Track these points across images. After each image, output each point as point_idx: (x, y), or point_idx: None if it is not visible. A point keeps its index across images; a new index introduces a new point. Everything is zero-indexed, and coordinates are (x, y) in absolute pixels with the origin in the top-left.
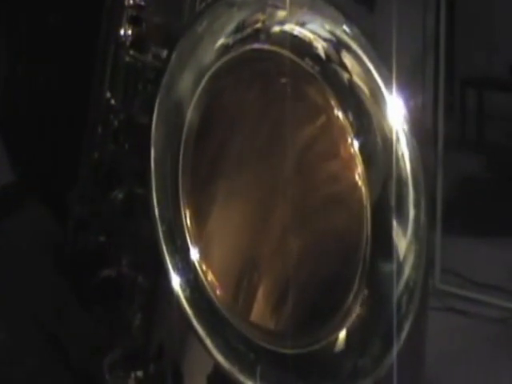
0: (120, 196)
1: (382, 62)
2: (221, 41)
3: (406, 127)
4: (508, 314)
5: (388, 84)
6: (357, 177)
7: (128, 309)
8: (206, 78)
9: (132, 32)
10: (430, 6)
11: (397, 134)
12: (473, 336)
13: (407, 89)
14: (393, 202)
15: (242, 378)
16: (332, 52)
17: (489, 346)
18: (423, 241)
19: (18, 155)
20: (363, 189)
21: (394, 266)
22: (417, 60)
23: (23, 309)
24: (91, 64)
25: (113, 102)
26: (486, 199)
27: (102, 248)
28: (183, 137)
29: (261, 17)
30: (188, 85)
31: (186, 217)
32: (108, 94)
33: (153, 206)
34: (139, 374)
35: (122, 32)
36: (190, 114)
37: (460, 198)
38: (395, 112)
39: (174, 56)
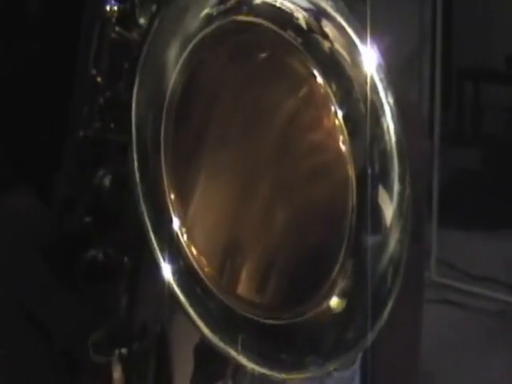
0: (106, 175)
1: (363, 29)
2: (205, 10)
3: (391, 100)
4: (504, 307)
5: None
6: (341, 147)
7: (113, 289)
8: (189, 48)
9: (118, 8)
10: None
11: (382, 106)
12: (468, 328)
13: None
14: (376, 171)
15: (223, 346)
16: (313, 22)
17: (485, 338)
18: (408, 216)
19: (3, 136)
20: (348, 159)
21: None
22: (414, 52)
23: (6, 291)
24: (77, 40)
25: (99, 79)
26: (483, 191)
27: (87, 228)
28: (164, 110)
29: None
30: (171, 55)
31: (170, 195)
32: (94, 71)
33: (136, 185)
34: (123, 351)
35: (107, 8)
36: (172, 86)
37: (456, 191)
38: (370, 62)
39: (155, 25)
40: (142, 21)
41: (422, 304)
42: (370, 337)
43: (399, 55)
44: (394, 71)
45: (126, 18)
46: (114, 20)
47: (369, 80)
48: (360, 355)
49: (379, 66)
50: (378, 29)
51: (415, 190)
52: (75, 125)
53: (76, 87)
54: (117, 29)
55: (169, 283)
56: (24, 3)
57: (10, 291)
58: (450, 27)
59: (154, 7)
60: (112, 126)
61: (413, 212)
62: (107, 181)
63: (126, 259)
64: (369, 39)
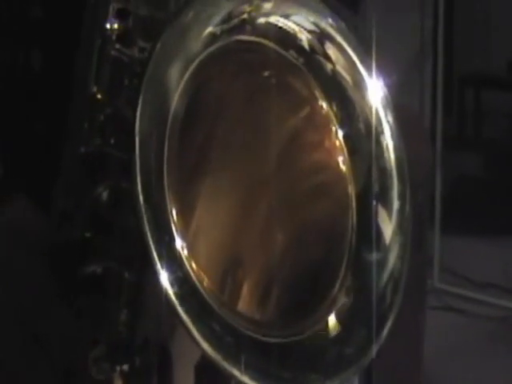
0: (106, 190)
1: (366, 54)
2: (209, 29)
3: (390, 118)
4: (506, 313)
5: (371, 73)
6: (342, 166)
7: (113, 303)
8: (192, 67)
9: (118, 26)
10: (428, 4)
11: (381, 125)
12: (471, 334)
13: (393, 75)
14: (376, 189)
15: (226, 365)
16: (316, 43)
17: (487, 344)
18: (408, 232)
19: (4, 149)
20: (348, 178)
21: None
22: (415, 58)
23: (5, 304)
24: (77, 58)
25: (99, 96)
26: (485, 198)
27: (87, 243)
28: (168, 128)
29: (247, 8)
30: (174, 74)
31: (172, 211)
32: (94, 88)
33: (139, 203)
34: (125, 367)
35: (107, 26)
36: (175, 105)
37: (458, 197)
38: (376, 95)
39: (159, 45)
40: (141, 42)
41: (424, 310)
42: (372, 353)
43: (400, 62)
44: (391, 75)
45: (125, 36)
46: (114, 37)
47: (374, 111)
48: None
49: (384, 96)
50: (378, 37)
51: (417, 196)
52: (75, 140)
53: (76, 103)
54: (117, 46)
55: (169, 300)
56: (26, 18)
57: (8, 303)
58: (451, 34)
59: (154, 25)
60: (112, 141)
61: (415, 219)
62: (107, 196)
63: (126, 274)
64: (374, 70)
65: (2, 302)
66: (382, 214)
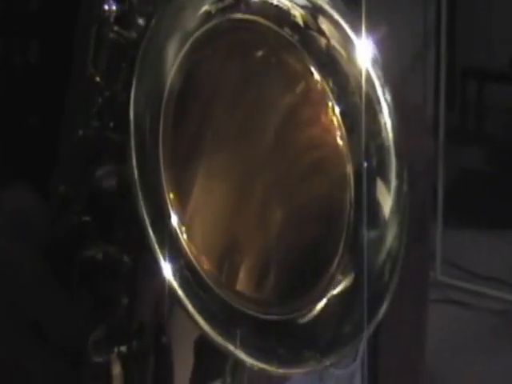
0: (104, 174)
1: (359, 25)
2: (204, 8)
3: (388, 97)
4: (509, 306)
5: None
6: (339, 143)
7: (112, 288)
8: (187, 45)
9: (116, 8)
10: None
11: (379, 103)
12: (473, 328)
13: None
14: (374, 165)
15: (222, 341)
16: (309, 19)
17: (489, 337)
18: (405, 211)
19: (1, 134)
20: (346, 155)
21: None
22: (418, 51)
23: (4, 291)
24: (75, 41)
25: (97, 79)
26: (487, 191)
27: (86, 227)
28: (163, 107)
29: None
30: (169, 52)
31: (169, 194)
32: (92, 71)
33: (134, 182)
34: (123, 349)
35: (105, 7)
36: (170, 83)
37: (461, 190)
38: (365, 57)
39: (153, 23)
40: (140, 20)
41: (426, 303)
42: (367, 332)
43: (403, 55)
44: (393, 68)
45: (123, 18)
46: (112, 20)
47: (364, 74)
48: (361, 353)
49: (375, 62)
50: (379, 28)
51: (420, 189)
52: (73, 124)
53: (74, 86)
54: (115, 28)
55: (168, 281)
56: (23, 2)
57: (8, 290)
58: (453, 27)
59: (152, 6)
60: (111, 124)
61: (417, 212)
62: (106, 179)
63: (125, 258)
64: (364, 34)
65: (1, 289)
66: (381, 189)
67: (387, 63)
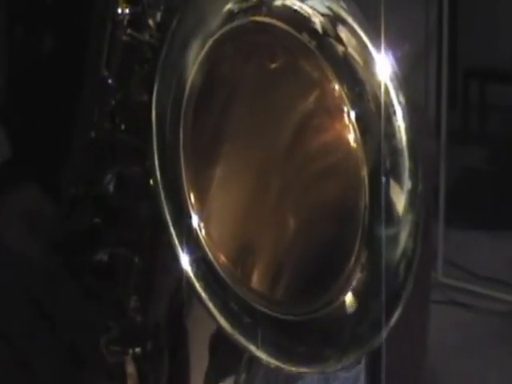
0: (116, 176)
1: (377, 35)
2: (228, 6)
3: (402, 99)
4: (511, 308)
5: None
6: (354, 145)
7: (124, 289)
8: (209, 44)
9: (129, 10)
10: None
11: (393, 105)
12: (475, 329)
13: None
14: (388, 166)
15: (243, 341)
16: (329, 26)
17: (491, 339)
18: (420, 212)
19: (14, 135)
20: (360, 158)
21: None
22: (420, 51)
23: (17, 292)
24: (88, 43)
25: (110, 81)
26: (489, 191)
27: (97, 228)
28: (183, 106)
29: None
30: (191, 51)
31: (189, 191)
32: (105, 73)
33: (157, 180)
34: (137, 350)
35: (119, 10)
36: (191, 83)
37: (463, 190)
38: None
39: (175, 22)
40: (152, 23)
41: (428, 305)
42: (385, 331)
43: (406, 55)
44: (404, 70)
45: (136, 20)
46: (125, 23)
47: (383, 86)
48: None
49: (392, 72)
50: (400, 43)
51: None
52: (86, 125)
53: (87, 89)
54: (128, 31)
55: (188, 278)
56: (37, 3)
57: (20, 290)
58: (455, 26)
59: (169, 7)
60: (123, 127)
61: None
62: (118, 181)
63: (136, 259)
64: (383, 45)
65: (14, 289)
66: (395, 189)
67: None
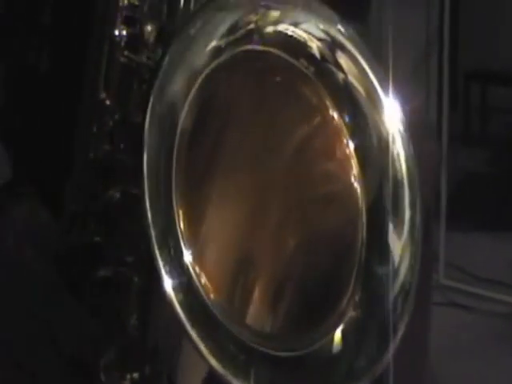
0: (115, 195)
1: (378, 63)
2: (213, 43)
3: (402, 128)
4: None
5: (384, 84)
6: (352, 178)
7: (123, 309)
8: (199, 80)
9: (127, 32)
10: (433, 0)
11: (393, 135)
12: (477, 331)
13: (406, 88)
14: (389, 204)
15: (235, 381)
16: (327, 52)
17: (493, 340)
18: (418, 241)
19: (15, 152)
20: (359, 190)
21: (390, 269)
22: (420, 54)
23: (18, 305)
24: (86, 64)
25: (108, 102)
26: (490, 193)
27: (97, 247)
28: (176, 138)
29: (253, 18)
30: (181, 86)
31: (179, 219)
32: (103, 94)
33: (145, 209)
34: (135, 375)
35: (116, 32)
36: (184, 116)
37: (464, 193)
38: (391, 113)
39: (166, 58)
40: (149, 49)
41: (429, 306)
42: (384, 364)
43: (406, 58)
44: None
45: (134, 42)
46: (122, 44)
47: (390, 135)
48: None
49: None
50: (384, 31)
51: (423, 192)
52: (84, 146)
53: (85, 109)
54: (125, 53)
55: (176, 312)
56: (35, 24)
57: (21, 304)
58: (457, 29)
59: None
60: (121, 147)
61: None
62: (117, 200)
63: (136, 279)
64: (391, 92)
65: (15, 302)
66: (393, 227)
67: (390, 65)
